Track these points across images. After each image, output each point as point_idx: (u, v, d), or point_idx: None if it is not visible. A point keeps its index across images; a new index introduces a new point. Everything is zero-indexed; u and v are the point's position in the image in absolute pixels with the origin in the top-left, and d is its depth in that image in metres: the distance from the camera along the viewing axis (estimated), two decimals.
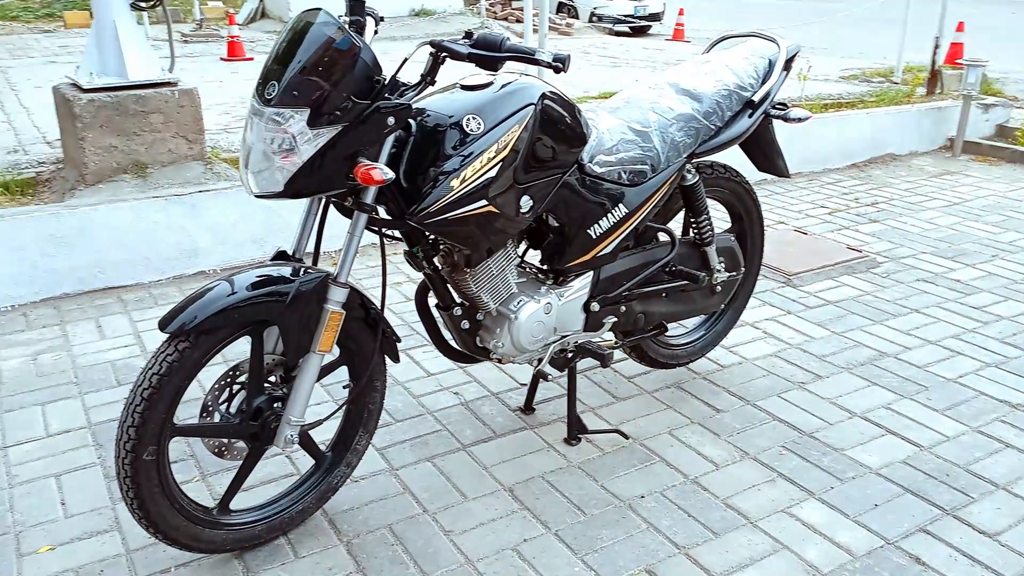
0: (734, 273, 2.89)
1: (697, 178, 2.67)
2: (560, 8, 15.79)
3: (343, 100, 1.80)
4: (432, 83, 1.97)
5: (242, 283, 1.90)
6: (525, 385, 2.96)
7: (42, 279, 3.59)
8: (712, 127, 2.55)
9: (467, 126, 2.02)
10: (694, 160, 2.59)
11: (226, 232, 3.94)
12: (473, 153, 2.01)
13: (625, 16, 14.63)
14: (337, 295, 1.99)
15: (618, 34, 14.90)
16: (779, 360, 3.18)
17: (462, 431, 2.70)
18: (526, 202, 2.17)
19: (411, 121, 2.02)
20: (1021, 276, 3.99)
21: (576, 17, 15.68)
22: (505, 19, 14.85)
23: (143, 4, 4.27)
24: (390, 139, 1.92)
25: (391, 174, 1.83)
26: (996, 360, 3.17)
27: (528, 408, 2.81)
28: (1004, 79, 8.37)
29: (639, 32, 15.19)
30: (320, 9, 1.86)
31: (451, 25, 13.72)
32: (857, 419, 2.78)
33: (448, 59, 1.95)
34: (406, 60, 1.91)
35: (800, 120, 2.66)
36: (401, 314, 3.54)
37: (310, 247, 2.14)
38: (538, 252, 2.47)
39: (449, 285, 2.32)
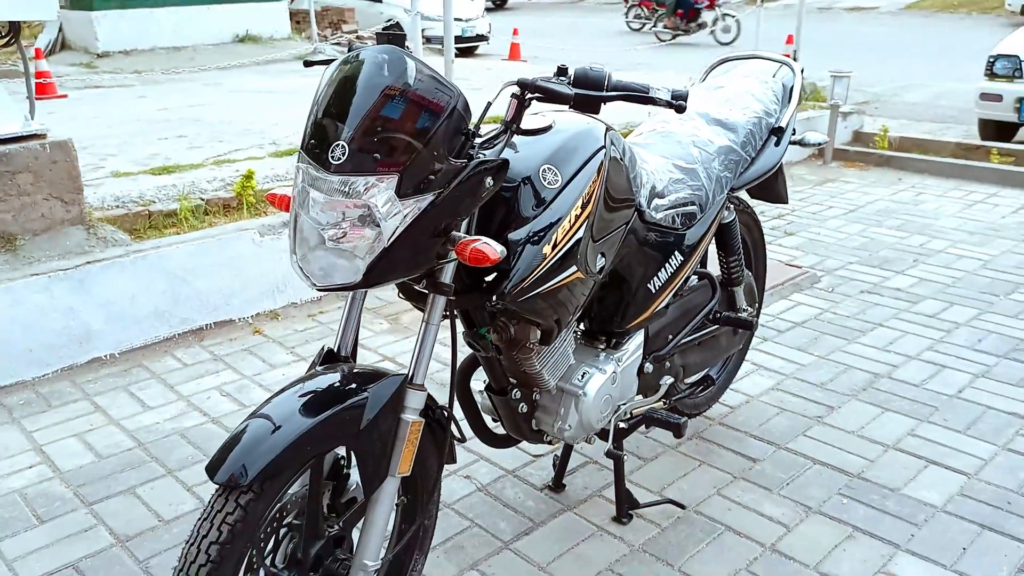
0: (751, 310, 2.70)
1: (734, 215, 2.46)
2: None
3: (437, 160, 1.41)
4: (517, 131, 1.61)
5: (304, 402, 1.45)
6: (540, 457, 2.62)
7: None
8: (747, 158, 2.35)
9: (544, 179, 1.68)
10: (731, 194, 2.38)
11: (123, 308, 3.29)
12: (558, 212, 1.67)
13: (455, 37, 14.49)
14: (414, 401, 1.58)
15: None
16: (783, 394, 3.04)
17: (496, 525, 2.32)
18: (599, 260, 1.85)
19: None
20: (949, 280, 4.12)
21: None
22: (337, 44, 14.24)
23: None
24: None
25: (502, 249, 1.46)
26: (980, 370, 3.19)
27: (558, 485, 2.47)
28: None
29: (466, 53, 15.13)
30: (395, 32, 1.46)
31: (281, 50, 12.93)
32: (892, 452, 2.66)
33: (538, 101, 1.59)
34: (490, 104, 1.54)
35: (818, 145, 2.52)
36: None
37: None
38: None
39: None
